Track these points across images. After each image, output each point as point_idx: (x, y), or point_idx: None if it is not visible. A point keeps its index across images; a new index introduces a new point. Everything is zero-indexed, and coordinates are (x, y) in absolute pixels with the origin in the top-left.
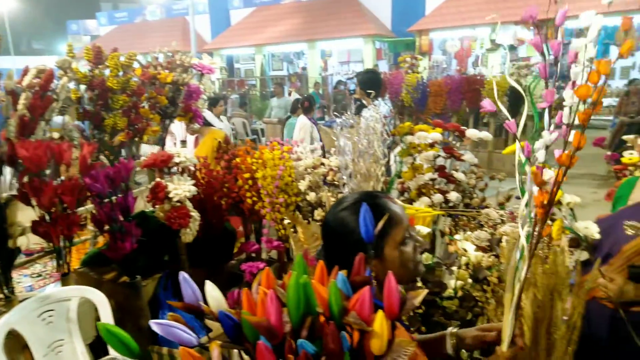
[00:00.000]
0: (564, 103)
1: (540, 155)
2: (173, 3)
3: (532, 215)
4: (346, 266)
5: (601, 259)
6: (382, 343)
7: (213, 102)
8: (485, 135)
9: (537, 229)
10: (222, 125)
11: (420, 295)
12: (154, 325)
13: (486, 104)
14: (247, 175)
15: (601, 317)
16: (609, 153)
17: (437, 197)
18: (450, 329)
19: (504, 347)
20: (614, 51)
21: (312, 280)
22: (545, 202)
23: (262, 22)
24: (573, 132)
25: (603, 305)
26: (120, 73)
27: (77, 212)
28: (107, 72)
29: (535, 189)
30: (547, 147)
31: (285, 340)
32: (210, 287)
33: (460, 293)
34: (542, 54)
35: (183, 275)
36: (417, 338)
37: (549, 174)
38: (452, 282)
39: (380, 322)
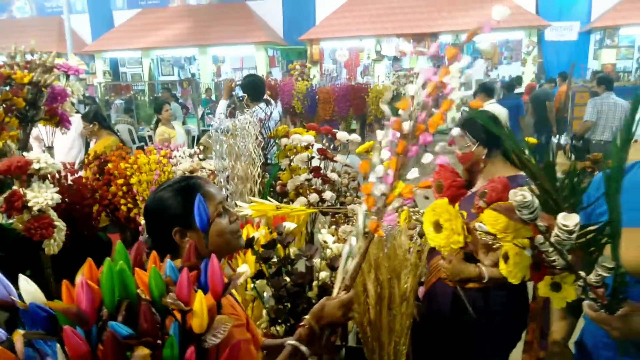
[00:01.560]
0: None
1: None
2: (46, 0)
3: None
4: (165, 243)
5: None
6: (203, 322)
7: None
8: (354, 137)
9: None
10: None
11: (242, 275)
12: None
13: (426, 136)
14: (120, 181)
15: (444, 294)
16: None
17: (313, 197)
18: (289, 339)
19: (334, 292)
20: (479, 63)
21: (135, 268)
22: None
23: (148, 25)
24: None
25: (446, 284)
26: None
27: None
28: None
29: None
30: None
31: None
32: (25, 281)
33: (321, 282)
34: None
35: None
36: (264, 343)
37: (380, 169)
38: (316, 274)
39: (199, 302)
